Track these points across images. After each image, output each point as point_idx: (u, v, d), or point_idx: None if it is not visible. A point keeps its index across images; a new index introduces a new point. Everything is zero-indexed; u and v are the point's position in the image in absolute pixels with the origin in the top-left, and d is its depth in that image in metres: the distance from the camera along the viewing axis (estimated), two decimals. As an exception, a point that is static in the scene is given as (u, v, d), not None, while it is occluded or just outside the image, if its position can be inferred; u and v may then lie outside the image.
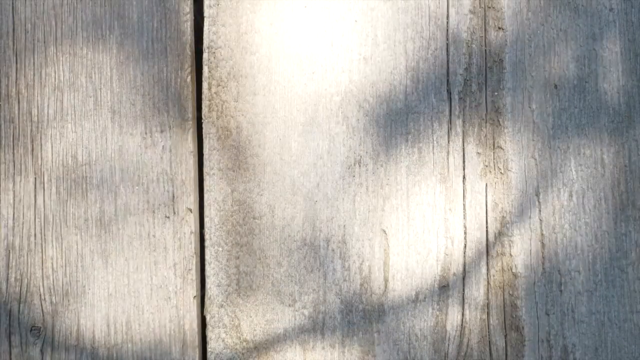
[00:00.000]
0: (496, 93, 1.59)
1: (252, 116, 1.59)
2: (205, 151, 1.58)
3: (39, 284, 1.56)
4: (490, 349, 1.56)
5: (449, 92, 1.59)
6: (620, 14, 1.60)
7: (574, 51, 1.60)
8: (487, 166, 1.58)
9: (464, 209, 1.57)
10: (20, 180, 1.57)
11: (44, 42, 1.59)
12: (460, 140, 1.58)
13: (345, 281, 1.57)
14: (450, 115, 1.59)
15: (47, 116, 1.58)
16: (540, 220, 1.57)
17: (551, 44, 1.60)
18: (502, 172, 1.58)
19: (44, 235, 1.56)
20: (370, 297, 1.57)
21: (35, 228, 1.56)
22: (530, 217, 1.57)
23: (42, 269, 1.56)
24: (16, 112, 1.58)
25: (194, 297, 1.57)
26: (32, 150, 1.57)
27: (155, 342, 1.56)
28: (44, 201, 1.57)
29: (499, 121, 1.59)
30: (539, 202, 1.58)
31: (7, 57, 1.59)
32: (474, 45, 1.59)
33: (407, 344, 1.56)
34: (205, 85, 1.59)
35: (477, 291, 1.57)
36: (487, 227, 1.57)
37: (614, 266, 1.57)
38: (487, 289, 1.57)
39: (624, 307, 1.57)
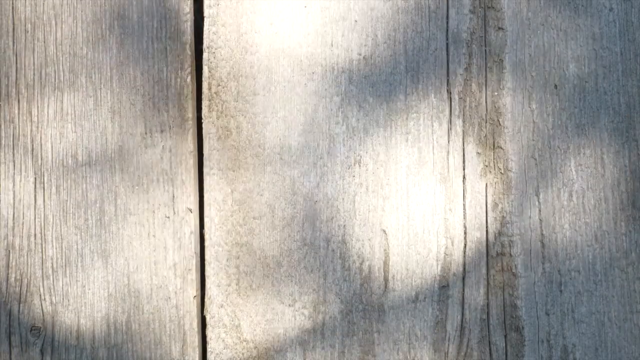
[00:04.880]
0: (496, 93, 1.59)
1: (252, 116, 1.59)
2: (205, 151, 1.58)
3: (39, 284, 1.56)
4: (490, 349, 1.56)
5: (449, 92, 1.59)
6: (620, 14, 1.60)
7: (574, 51, 1.60)
8: (487, 166, 1.58)
9: (464, 209, 1.57)
10: (20, 180, 1.57)
11: (44, 42, 1.59)
12: (460, 140, 1.58)
13: (345, 281, 1.57)
14: (450, 115, 1.59)
15: (47, 116, 1.58)
16: (540, 220, 1.57)
17: (551, 44, 1.60)
18: (502, 172, 1.58)
19: (44, 235, 1.56)
20: (370, 297, 1.57)
21: (35, 228, 1.56)
22: (530, 217, 1.57)
23: (42, 269, 1.56)
24: (16, 112, 1.58)
25: (194, 297, 1.57)
26: (32, 150, 1.57)
27: (155, 342, 1.56)
28: (44, 201, 1.57)
29: (499, 121, 1.59)
30: (539, 202, 1.58)
31: (7, 57, 1.59)
32: (474, 45, 1.59)
33: (407, 344, 1.56)
34: (205, 85, 1.59)
35: (477, 291, 1.57)
36: (487, 227, 1.57)
37: (614, 266, 1.57)
38: (487, 289, 1.57)
39: (624, 307, 1.57)
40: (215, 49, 1.59)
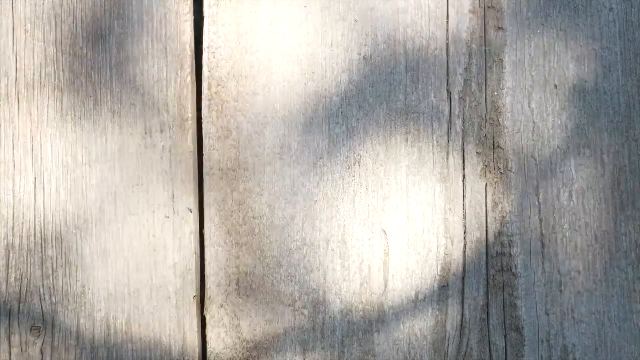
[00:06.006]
0: (496, 93, 1.59)
1: (252, 116, 1.59)
2: (205, 151, 1.59)
3: (39, 284, 1.56)
4: (490, 349, 1.56)
5: (449, 92, 1.59)
6: (620, 14, 1.60)
7: (574, 51, 1.60)
8: (487, 166, 1.58)
9: (464, 209, 1.57)
10: (20, 180, 1.57)
11: (44, 42, 1.59)
12: (460, 140, 1.58)
13: (345, 281, 1.57)
14: (450, 115, 1.59)
15: (47, 116, 1.58)
16: (540, 220, 1.57)
17: (551, 44, 1.60)
18: (502, 172, 1.58)
19: (44, 235, 1.56)
20: (370, 297, 1.57)
21: (35, 228, 1.56)
22: (530, 217, 1.57)
23: (42, 269, 1.56)
24: (16, 112, 1.58)
25: (194, 297, 1.57)
26: (32, 150, 1.57)
27: (155, 342, 1.56)
28: (44, 201, 1.57)
29: (499, 121, 1.59)
30: (539, 202, 1.58)
31: (7, 57, 1.59)
32: (474, 45, 1.59)
33: (407, 344, 1.56)
34: (205, 85, 1.59)
35: (477, 291, 1.57)
36: (487, 227, 1.57)
37: (614, 266, 1.57)
38: (487, 289, 1.57)
39: (624, 307, 1.57)
40: (215, 49, 1.59)
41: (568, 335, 1.56)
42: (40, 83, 1.59)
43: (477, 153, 1.58)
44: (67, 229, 1.57)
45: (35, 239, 1.57)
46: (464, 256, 1.57)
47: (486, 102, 1.59)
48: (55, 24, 1.59)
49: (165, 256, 1.57)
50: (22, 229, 1.57)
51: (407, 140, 1.58)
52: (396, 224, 1.57)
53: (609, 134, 1.59)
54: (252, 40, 1.59)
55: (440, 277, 1.57)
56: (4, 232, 1.56)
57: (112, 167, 1.58)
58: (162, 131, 1.58)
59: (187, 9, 1.60)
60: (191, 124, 1.59)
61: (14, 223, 1.57)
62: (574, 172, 1.58)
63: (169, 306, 1.56)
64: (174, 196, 1.57)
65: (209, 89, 1.59)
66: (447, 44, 1.60)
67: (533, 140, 1.58)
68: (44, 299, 1.56)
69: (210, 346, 1.57)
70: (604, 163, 1.58)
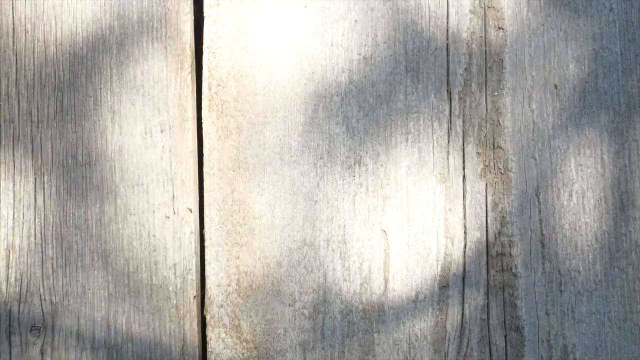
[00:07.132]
0: (496, 93, 1.59)
1: (252, 116, 1.59)
2: (205, 151, 1.59)
3: (39, 284, 1.56)
4: (490, 349, 1.56)
5: (449, 92, 1.59)
6: (620, 14, 1.60)
7: (574, 51, 1.60)
8: (487, 166, 1.58)
9: (464, 209, 1.57)
10: (20, 180, 1.57)
11: (44, 42, 1.59)
12: (460, 140, 1.58)
13: (345, 281, 1.57)
14: (450, 115, 1.59)
15: (47, 116, 1.58)
16: (540, 220, 1.57)
17: (551, 44, 1.60)
18: (502, 172, 1.58)
19: (44, 235, 1.56)
20: (370, 297, 1.57)
21: (35, 228, 1.56)
22: (530, 217, 1.57)
23: (42, 269, 1.56)
24: (16, 112, 1.58)
25: (194, 297, 1.57)
26: (32, 150, 1.57)
27: (155, 342, 1.56)
28: (44, 201, 1.57)
29: (499, 121, 1.59)
30: (539, 202, 1.58)
31: (7, 57, 1.59)
32: (474, 45, 1.59)
33: (407, 344, 1.56)
34: (205, 85, 1.59)
35: (477, 291, 1.57)
36: (487, 227, 1.57)
37: (614, 266, 1.57)
38: (487, 289, 1.57)
39: (624, 307, 1.57)
40: (215, 49, 1.59)
41: (568, 335, 1.56)
42: (40, 83, 1.59)
43: (477, 153, 1.58)
44: (67, 229, 1.57)
45: (35, 239, 1.57)
46: (464, 256, 1.57)
47: (486, 102, 1.59)
48: (55, 24, 1.59)
49: (165, 256, 1.57)
50: (22, 229, 1.57)
51: (407, 140, 1.58)
52: (396, 224, 1.57)
53: (609, 134, 1.59)
54: (252, 40, 1.59)
55: (440, 277, 1.57)
56: (4, 232, 1.56)
57: (112, 167, 1.58)
58: (162, 131, 1.58)
59: (187, 9, 1.60)
60: (191, 124, 1.59)
61: (14, 223, 1.57)
62: (574, 172, 1.58)
63: (169, 306, 1.56)
64: (174, 196, 1.57)
65: (209, 89, 1.59)
66: (447, 44, 1.60)
67: (533, 140, 1.58)
68: (44, 299, 1.56)
69: (210, 346, 1.57)
70: (604, 163, 1.58)
